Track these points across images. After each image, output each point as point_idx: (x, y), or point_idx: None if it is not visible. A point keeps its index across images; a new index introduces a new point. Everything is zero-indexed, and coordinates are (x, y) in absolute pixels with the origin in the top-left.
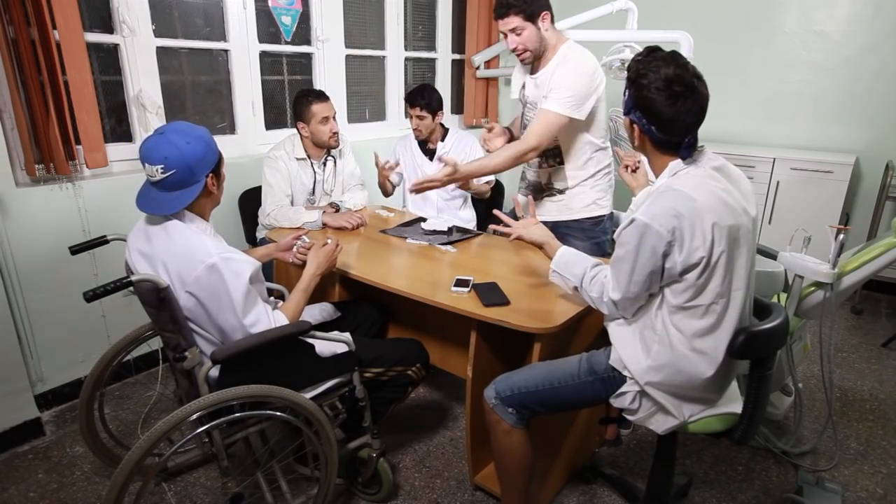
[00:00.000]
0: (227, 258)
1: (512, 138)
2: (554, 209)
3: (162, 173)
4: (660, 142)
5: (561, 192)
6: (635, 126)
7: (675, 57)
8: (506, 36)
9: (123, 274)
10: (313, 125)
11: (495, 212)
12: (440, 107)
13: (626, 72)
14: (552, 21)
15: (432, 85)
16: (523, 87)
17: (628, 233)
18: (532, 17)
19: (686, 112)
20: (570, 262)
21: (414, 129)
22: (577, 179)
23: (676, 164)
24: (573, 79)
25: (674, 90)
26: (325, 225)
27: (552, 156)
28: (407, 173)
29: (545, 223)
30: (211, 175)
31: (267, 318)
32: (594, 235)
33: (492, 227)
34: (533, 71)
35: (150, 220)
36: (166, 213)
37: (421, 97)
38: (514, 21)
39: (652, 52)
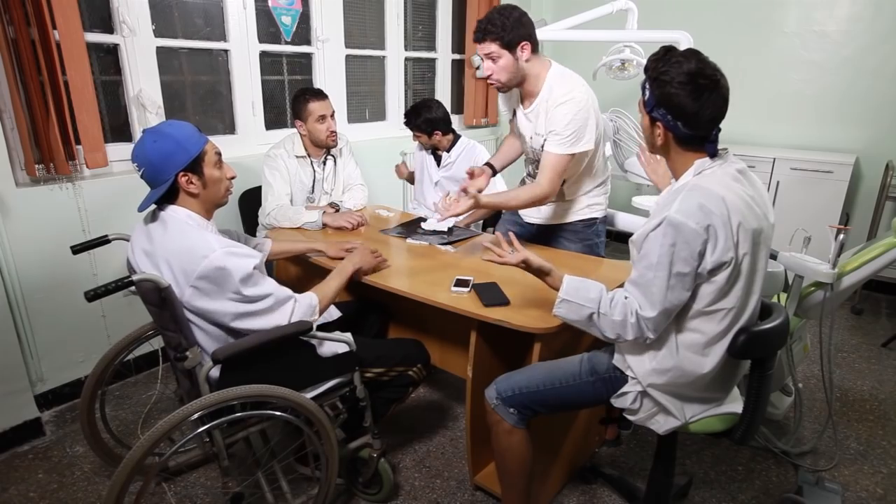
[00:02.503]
0: (230, 252)
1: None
2: (549, 212)
3: (137, 171)
4: (685, 138)
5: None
6: (658, 124)
7: (694, 53)
8: (483, 60)
9: (123, 273)
10: (310, 123)
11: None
12: (437, 127)
13: (626, 72)
14: (534, 50)
15: (434, 100)
16: (514, 114)
17: (659, 235)
18: (510, 46)
19: (711, 105)
20: (581, 287)
21: (429, 146)
22: (574, 195)
23: (702, 162)
24: (569, 118)
25: (698, 83)
26: (324, 225)
27: None
28: (418, 172)
29: (539, 225)
30: (185, 174)
31: (281, 290)
32: (587, 238)
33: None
34: (523, 101)
35: (150, 219)
36: (141, 209)
37: (416, 117)
38: (491, 47)
39: (668, 50)
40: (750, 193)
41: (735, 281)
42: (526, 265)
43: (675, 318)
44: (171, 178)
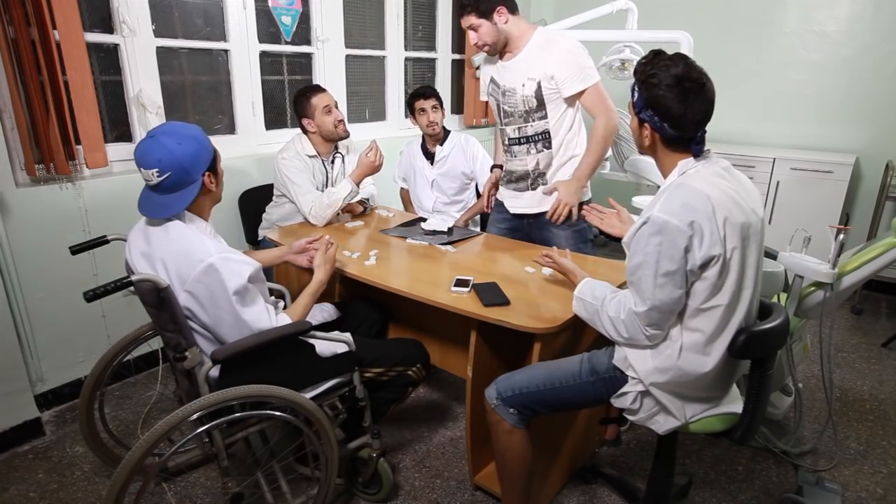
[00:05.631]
0: (226, 258)
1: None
2: (536, 199)
3: (158, 177)
4: (672, 139)
5: (543, 177)
6: (646, 125)
7: (681, 57)
8: (467, 32)
9: (123, 274)
10: (318, 117)
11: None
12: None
13: (626, 72)
14: (513, 13)
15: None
16: (491, 81)
17: (645, 234)
18: (486, 14)
19: (696, 107)
20: (594, 287)
21: (429, 125)
22: (560, 161)
23: (686, 162)
24: (578, 53)
25: (685, 86)
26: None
27: (541, 140)
28: (411, 179)
29: (526, 214)
30: (208, 173)
31: (268, 316)
32: (574, 223)
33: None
34: (503, 56)
35: (150, 221)
36: (168, 215)
37: (430, 89)
38: (470, 19)
39: (657, 54)
40: (735, 188)
41: (726, 276)
42: (551, 260)
43: (677, 318)
44: (199, 179)
